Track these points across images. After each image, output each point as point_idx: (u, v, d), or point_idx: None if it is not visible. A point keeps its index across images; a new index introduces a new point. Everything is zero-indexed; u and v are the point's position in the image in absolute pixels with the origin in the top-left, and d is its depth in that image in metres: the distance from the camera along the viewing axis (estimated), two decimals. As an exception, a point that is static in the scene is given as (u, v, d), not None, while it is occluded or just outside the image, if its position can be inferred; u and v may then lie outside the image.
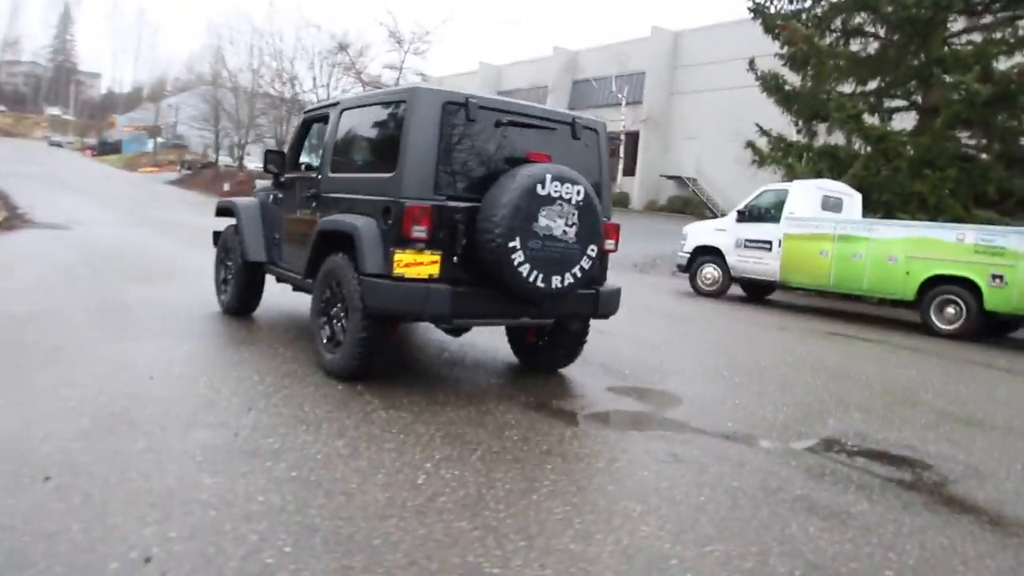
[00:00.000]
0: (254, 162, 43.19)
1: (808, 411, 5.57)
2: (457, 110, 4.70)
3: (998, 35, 17.59)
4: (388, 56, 30.84)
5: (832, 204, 13.24)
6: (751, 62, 19.51)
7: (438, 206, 4.60)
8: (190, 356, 5.44)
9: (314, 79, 34.46)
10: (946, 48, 17.35)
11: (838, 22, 18.84)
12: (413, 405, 4.62)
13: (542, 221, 4.64)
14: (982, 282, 10.38)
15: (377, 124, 5.18)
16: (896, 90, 18.96)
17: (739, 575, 2.82)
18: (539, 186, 4.61)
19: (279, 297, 7.43)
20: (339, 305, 5.06)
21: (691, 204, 36.36)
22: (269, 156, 6.26)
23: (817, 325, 11.02)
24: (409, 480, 3.42)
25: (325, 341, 5.17)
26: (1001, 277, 10.22)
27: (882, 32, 18.54)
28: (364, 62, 30.62)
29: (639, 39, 40.59)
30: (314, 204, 5.60)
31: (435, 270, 4.61)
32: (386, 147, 4.96)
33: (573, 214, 4.77)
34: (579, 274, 4.90)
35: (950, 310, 10.78)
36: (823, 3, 19.47)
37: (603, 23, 75.07)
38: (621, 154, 41.09)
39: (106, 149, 69.15)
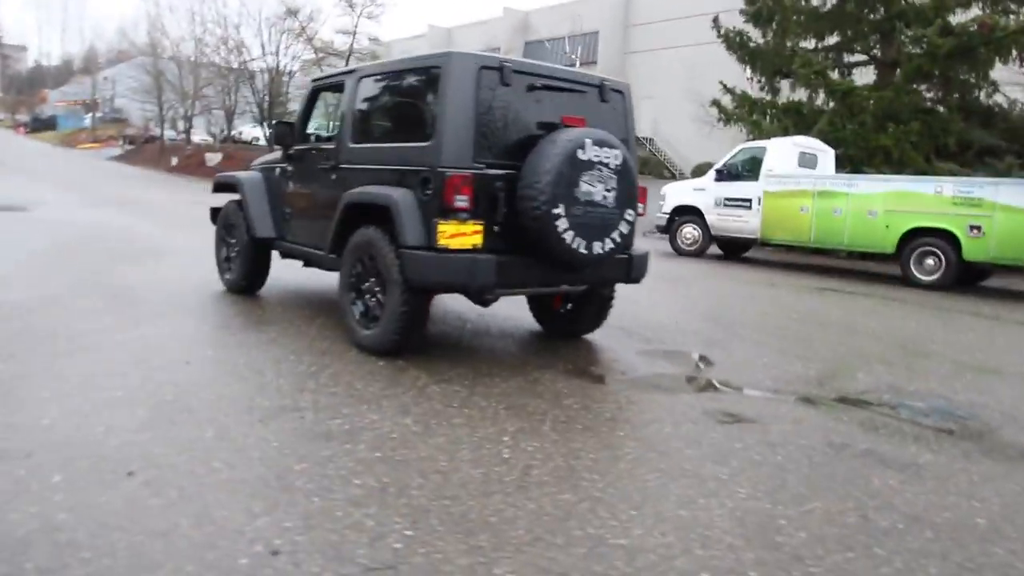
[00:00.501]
0: (199, 135, 41.91)
1: (835, 366, 5.66)
2: (492, 74, 4.59)
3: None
4: (340, 21, 29.99)
5: (808, 160, 13.41)
6: (715, 19, 19.46)
7: (479, 174, 4.50)
8: (215, 338, 5.27)
9: (263, 46, 33.43)
10: (904, 2, 17.54)
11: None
12: (462, 378, 4.56)
13: (583, 187, 4.58)
14: (960, 233, 10.66)
15: (406, 91, 5.01)
16: (856, 45, 19.21)
17: (847, 531, 2.85)
18: (580, 151, 4.53)
19: (281, 273, 7.23)
20: (373, 279, 4.94)
21: (649, 164, 36.45)
22: (279, 128, 6.04)
23: (804, 281, 11.21)
24: (495, 455, 3.37)
25: (358, 317, 5.05)
26: (979, 228, 10.51)
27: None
28: (314, 27, 29.75)
29: (591, -1, 40.29)
30: (333, 176, 5.43)
31: (478, 240, 4.52)
32: (418, 115, 4.81)
33: (612, 178, 4.72)
34: (618, 239, 4.86)
35: (929, 261, 11.06)
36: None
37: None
38: (577, 116, 40.98)
39: (39, 126, 66.21)
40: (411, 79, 4.93)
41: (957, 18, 17.34)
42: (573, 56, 40.54)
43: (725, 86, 20.99)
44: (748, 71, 20.47)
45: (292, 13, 29.52)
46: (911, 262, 11.24)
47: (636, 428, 3.92)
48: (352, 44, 28.70)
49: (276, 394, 4.02)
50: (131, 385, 4.01)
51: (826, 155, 13.97)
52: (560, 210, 4.49)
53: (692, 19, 35.78)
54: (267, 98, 32.93)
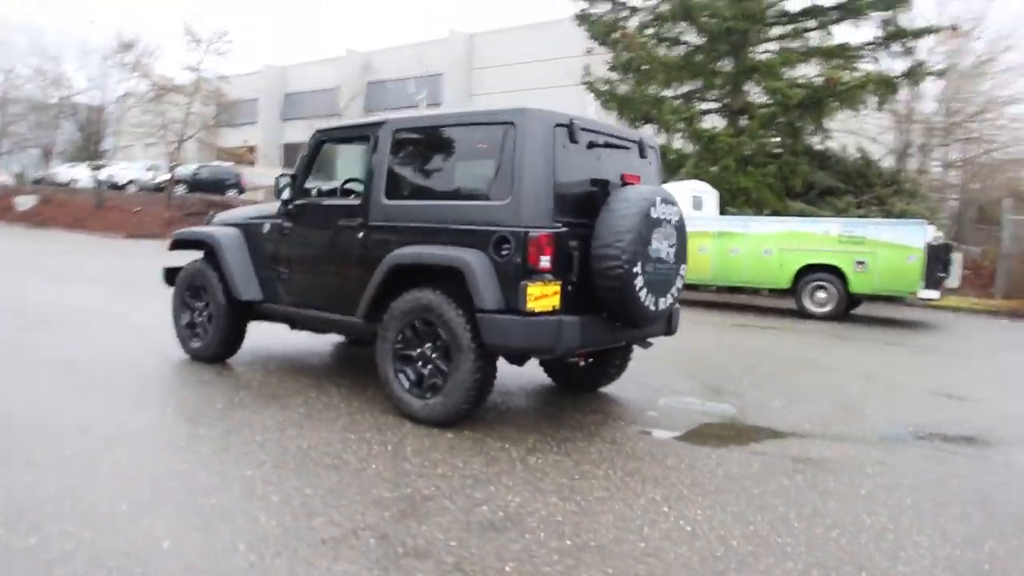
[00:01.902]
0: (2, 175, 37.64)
1: (840, 404, 5.99)
2: (562, 132, 4.52)
3: (794, 45, 19.83)
4: (185, 56, 28.24)
5: (697, 203, 14.24)
6: (586, 68, 20.30)
7: (559, 233, 4.39)
8: (243, 422, 4.70)
9: (89, 79, 30.72)
10: (755, 56, 19.24)
11: (659, 30, 20.18)
12: (546, 445, 4.41)
13: (654, 244, 4.60)
14: (847, 269, 11.72)
15: (465, 147, 4.78)
16: (708, 93, 20.77)
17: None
18: (652, 209, 4.56)
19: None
20: (428, 346, 4.65)
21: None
22: (282, 180, 5.56)
23: (716, 318, 11.80)
24: (676, 528, 3.28)
25: (408, 387, 4.73)
26: (863, 263, 11.60)
27: (698, 41, 20.14)
28: (149, 62, 27.71)
29: (436, 40, 40.78)
30: (361, 235, 5.07)
31: (557, 301, 4.39)
32: (486, 172, 4.62)
33: (673, 235, 4.78)
34: (675, 293, 4.93)
35: (821, 294, 12.05)
36: (642, 13, 20.86)
37: (400, 26, 74.24)
38: (424, 156, 41.09)
39: None
40: (471, 134, 4.72)
41: (798, 72, 19.34)
42: (419, 97, 40.73)
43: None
44: (615, 117, 21.47)
45: (127, 47, 27.43)
46: (804, 295, 12.17)
47: (758, 485, 3.93)
48: (198, 80, 27.02)
49: (388, 483, 3.67)
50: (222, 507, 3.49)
51: (710, 196, 14.92)
52: (638, 268, 4.47)
53: (532, 64, 37.28)
54: (91, 135, 30.23)
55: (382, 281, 4.81)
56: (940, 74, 19.66)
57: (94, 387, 5.26)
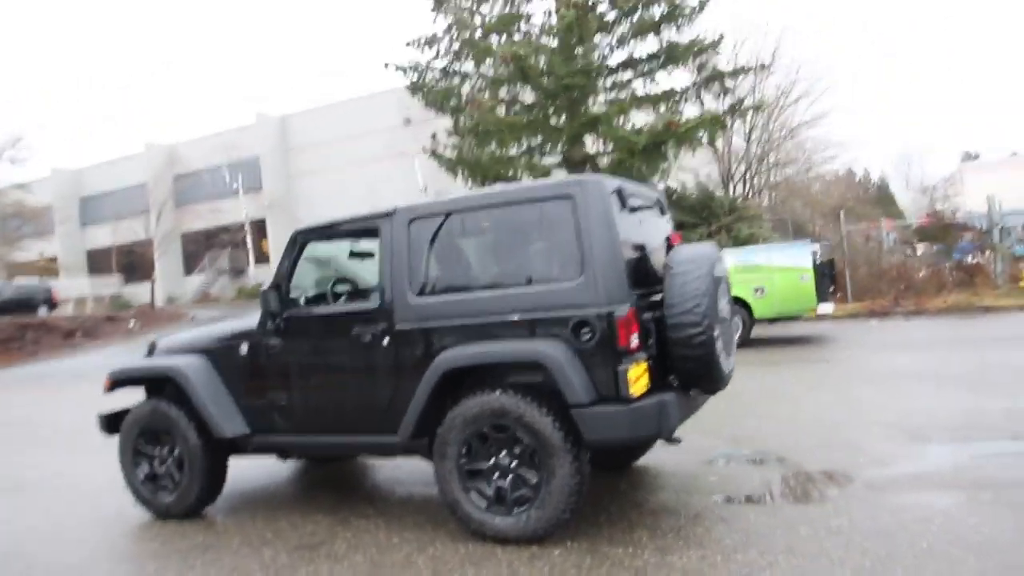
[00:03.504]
0: None
1: (866, 436, 5.99)
2: (616, 199, 4.21)
3: (621, 96, 20.89)
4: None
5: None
6: (433, 136, 20.22)
7: (638, 307, 4.04)
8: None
9: None
10: (592, 108, 20.06)
11: (495, 92, 20.54)
12: (654, 537, 3.98)
13: (720, 303, 4.37)
14: (748, 296, 12.19)
15: (514, 228, 4.30)
16: (547, 148, 21.35)
17: None
18: (716, 268, 4.33)
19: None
20: (505, 453, 4.09)
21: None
22: (267, 295, 4.77)
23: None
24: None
25: (487, 506, 4.12)
26: (761, 288, 12.13)
27: (532, 99, 20.71)
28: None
29: (245, 127, 39.22)
30: (386, 342, 4.43)
31: (647, 380, 4.02)
32: (545, 252, 4.18)
33: (727, 291, 4.59)
34: (735, 349, 4.70)
35: (725, 325, 12.42)
36: (472, 78, 21.17)
37: (200, 116, 70.83)
38: (249, 244, 39.17)
39: None
40: (517, 214, 4.26)
41: (629, 120, 20.37)
42: (235, 185, 38.88)
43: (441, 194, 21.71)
44: (460, 181, 21.43)
45: None
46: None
47: (897, 551, 3.72)
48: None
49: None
50: None
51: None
52: (716, 331, 4.21)
53: (354, 139, 36.84)
54: None
55: (433, 390, 4.20)
56: (757, 108, 21.44)
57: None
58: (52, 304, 29.89)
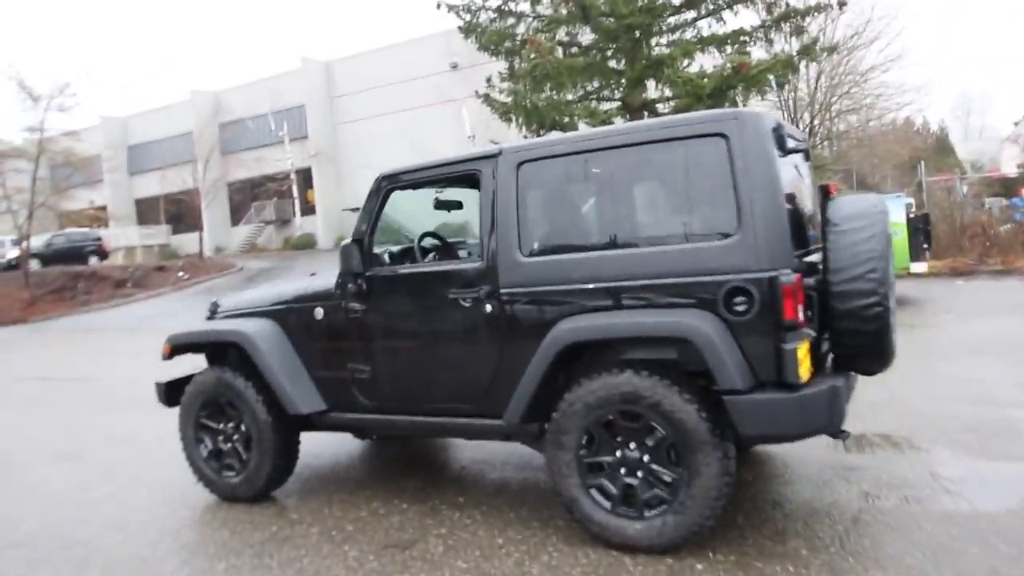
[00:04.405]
0: None
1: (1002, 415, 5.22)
2: (775, 138, 3.43)
3: (687, 36, 19.67)
4: (23, 116, 24.90)
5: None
6: (488, 80, 19.32)
7: (802, 272, 3.30)
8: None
9: None
10: (656, 50, 18.94)
11: (555, 33, 19.50)
12: (792, 562, 3.30)
13: (890, 267, 3.59)
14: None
15: (648, 172, 3.56)
16: (605, 93, 20.31)
17: None
18: (887, 224, 3.55)
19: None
20: (634, 445, 3.43)
21: (386, 233, 35.51)
22: (349, 251, 4.11)
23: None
24: None
25: (612, 506, 3.48)
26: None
27: (590, 41, 19.63)
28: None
29: (289, 72, 38.56)
30: (489, 308, 3.76)
31: (809, 361, 3.29)
32: (690, 203, 3.45)
33: (892, 251, 3.79)
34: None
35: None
36: (528, 19, 20.13)
37: (245, 62, 70.37)
38: (295, 194, 38.83)
39: None
40: (653, 155, 3.50)
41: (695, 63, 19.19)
42: (280, 133, 38.41)
43: (493, 143, 20.92)
44: (514, 129, 20.55)
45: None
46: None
47: None
48: (41, 141, 23.81)
49: None
50: None
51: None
52: (892, 302, 3.45)
53: (400, 85, 35.97)
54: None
55: (549, 367, 3.53)
56: (831, 50, 20.08)
57: None
58: (102, 254, 29.97)
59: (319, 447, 5.40)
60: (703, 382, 3.41)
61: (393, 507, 4.32)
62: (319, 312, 4.38)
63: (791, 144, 3.64)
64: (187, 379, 4.85)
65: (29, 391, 9.91)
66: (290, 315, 4.53)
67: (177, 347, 4.85)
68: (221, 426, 4.69)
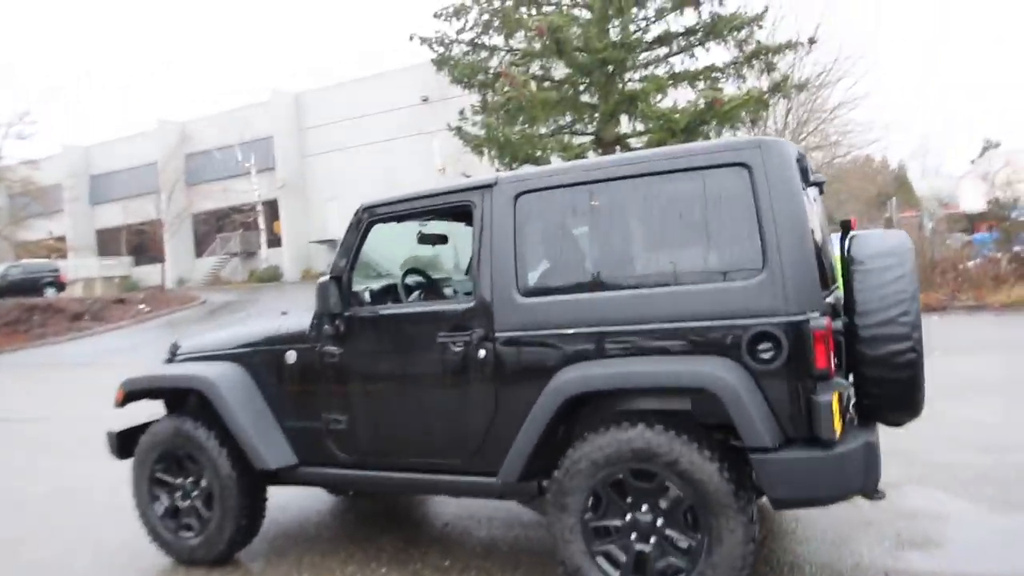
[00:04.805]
0: None
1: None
2: (800, 170, 3.15)
3: (658, 72, 19.73)
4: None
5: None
6: (461, 112, 19.15)
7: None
8: None
9: None
10: (629, 85, 18.94)
11: (528, 67, 19.42)
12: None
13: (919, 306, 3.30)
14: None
15: (660, 205, 3.23)
16: (578, 127, 20.23)
17: None
18: (915, 261, 3.28)
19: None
20: (645, 507, 3.07)
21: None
22: (326, 289, 3.71)
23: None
24: None
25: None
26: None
27: (563, 75, 19.58)
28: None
29: (259, 103, 38.13)
30: (483, 353, 3.40)
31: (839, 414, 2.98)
32: (708, 239, 3.13)
33: (916, 291, 3.52)
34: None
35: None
36: (501, 52, 20.07)
37: (213, 93, 69.62)
38: (262, 225, 38.18)
39: None
40: (667, 186, 3.19)
41: (667, 98, 19.24)
42: (248, 164, 37.83)
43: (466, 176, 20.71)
44: (486, 162, 20.36)
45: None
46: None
47: None
48: (-3, 169, 23.06)
49: None
50: None
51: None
52: (923, 347, 3.16)
53: (370, 117, 35.72)
54: None
55: (552, 419, 3.18)
56: (802, 87, 20.26)
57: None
58: (60, 285, 29.01)
59: (286, 498, 4.95)
60: (721, 436, 3.10)
61: (370, 572, 3.89)
62: (291, 356, 3.98)
63: (813, 177, 3.37)
64: (142, 428, 4.39)
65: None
66: (258, 358, 4.12)
67: (131, 393, 4.39)
68: (179, 481, 4.23)
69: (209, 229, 40.21)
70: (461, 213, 3.67)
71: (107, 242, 41.83)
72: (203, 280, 38.01)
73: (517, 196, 3.42)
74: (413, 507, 4.95)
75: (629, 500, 3.11)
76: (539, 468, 3.31)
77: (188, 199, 37.04)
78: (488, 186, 3.51)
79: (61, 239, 39.10)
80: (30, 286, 27.09)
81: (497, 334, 3.39)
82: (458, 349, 3.47)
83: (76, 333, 22.29)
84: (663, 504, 3.06)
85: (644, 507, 3.09)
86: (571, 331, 3.23)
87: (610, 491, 3.13)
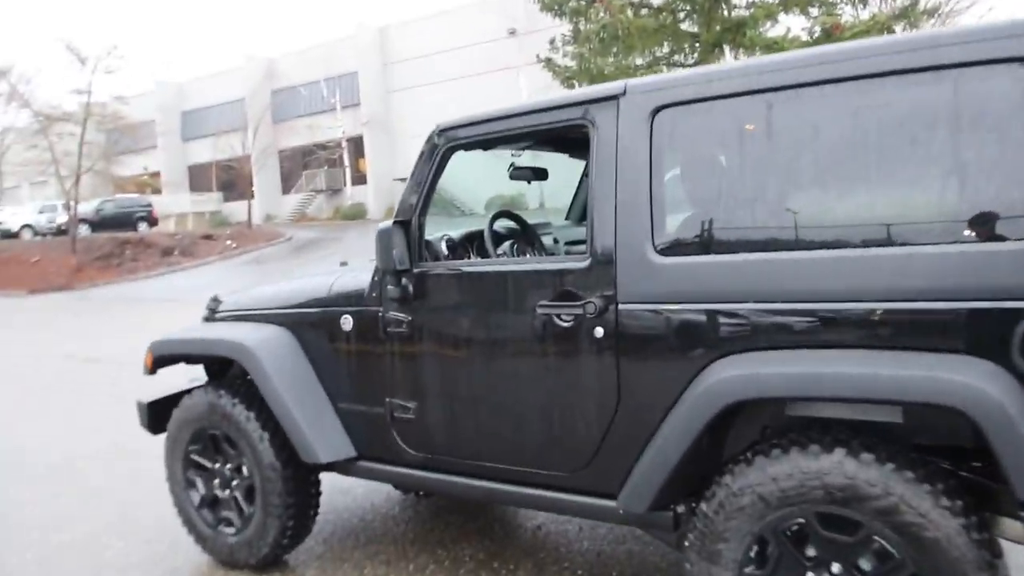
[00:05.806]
0: None
1: None
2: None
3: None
4: (72, 79, 24.35)
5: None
6: (551, 41, 17.90)
7: None
8: None
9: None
10: (734, 12, 17.30)
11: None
12: None
13: None
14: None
15: (887, 125, 2.13)
16: (675, 59, 18.68)
17: None
18: None
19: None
20: (834, 570, 2.11)
21: (437, 205, 34.38)
22: (389, 237, 2.79)
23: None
24: None
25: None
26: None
27: (661, 1, 18.02)
28: (30, 90, 23.74)
29: (343, 38, 37.48)
30: (599, 330, 2.44)
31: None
32: (954, 179, 2.04)
33: None
34: None
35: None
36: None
37: (302, 27, 69.59)
38: (346, 162, 37.88)
39: None
40: (893, 95, 2.10)
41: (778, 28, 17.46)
42: (332, 100, 37.41)
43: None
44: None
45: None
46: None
47: None
48: (88, 103, 23.12)
49: None
50: None
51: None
52: None
53: (455, 51, 34.53)
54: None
55: (702, 430, 2.21)
56: (932, 12, 18.10)
57: None
58: (152, 220, 29.48)
59: (349, 482, 4.18)
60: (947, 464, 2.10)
61: (446, 593, 3.08)
62: (347, 322, 3.12)
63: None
64: (177, 398, 3.66)
65: (48, 371, 8.98)
66: (308, 323, 3.29)
67: (161, 358, 3.65)
68: (216, 466, 3.50)
69: (295, 166, 40.27)
70: (572, 137, 2.67)
71: (198, 178, 42.50)
72: (289, 217, 38.21)
73: (655, 111, 2.38)
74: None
75: (813, 555, 2.14)
76: (676, 493, 2.37)
77: (275, 135, 37.01)
78: (612, 97, 2.47)
79: (156, 175, 39.89)
80: (123, 220, 27.58)
81: (621, 306, 2.41)
82: (565, 325, 2.51)
83: (165, 268, 22.50)
84: (867, 567, 2.08)
85: (836, 568, 2.12)
86: (734, 307, 2.23)
87: (785, 541, 2.17)
